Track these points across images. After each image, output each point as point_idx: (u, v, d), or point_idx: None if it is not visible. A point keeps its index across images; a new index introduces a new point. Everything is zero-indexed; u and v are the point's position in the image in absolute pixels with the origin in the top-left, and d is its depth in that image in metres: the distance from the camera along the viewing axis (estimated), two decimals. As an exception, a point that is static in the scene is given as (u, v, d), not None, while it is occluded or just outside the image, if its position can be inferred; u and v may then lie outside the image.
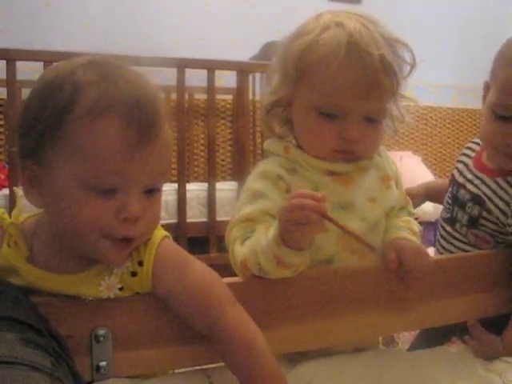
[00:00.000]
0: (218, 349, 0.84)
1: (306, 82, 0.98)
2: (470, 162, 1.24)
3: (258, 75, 3.21)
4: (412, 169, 3.60)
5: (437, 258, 1.09)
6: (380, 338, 1.77)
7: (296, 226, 0.82)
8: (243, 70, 3.01)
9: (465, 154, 1.27)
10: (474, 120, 4.60)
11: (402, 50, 0.99)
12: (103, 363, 0.81)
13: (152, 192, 0.80)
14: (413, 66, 1.00)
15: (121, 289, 0.82)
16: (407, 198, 1.12)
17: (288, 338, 0.93)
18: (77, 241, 0.77)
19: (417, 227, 1.08)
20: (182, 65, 2.84)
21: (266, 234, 0.89)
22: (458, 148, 4.50)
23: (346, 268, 0.99)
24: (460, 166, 1.25)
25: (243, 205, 0.98)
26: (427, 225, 2.61)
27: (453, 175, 1.26)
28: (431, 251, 1.29)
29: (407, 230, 1.04)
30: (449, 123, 4.57)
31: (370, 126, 0.98)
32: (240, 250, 0.93)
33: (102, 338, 0.81)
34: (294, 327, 0.94)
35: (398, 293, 1.01)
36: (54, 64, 0.82)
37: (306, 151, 1.01)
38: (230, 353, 0.83)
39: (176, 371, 0.93)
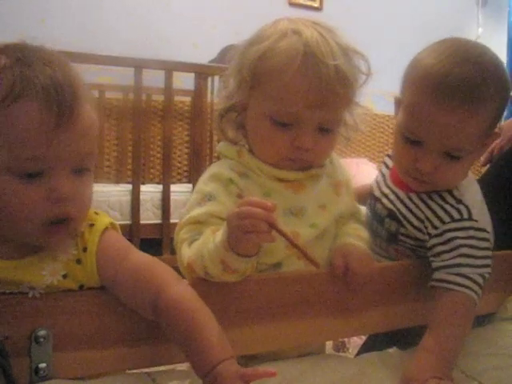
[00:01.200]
0: (165, 326, 0.82)
1: (261, 90, 0.98)
2: (387, 173, 1.20)
3: (216, 78, 3.21)
4: (368, 176, 3.62)
5: (382, 264, 1.10)
6: (330, 344, 1.78)
7: (244, 233, 0.81)
8: (201, 73, 3.00)
9: (385, 164, 1.23)
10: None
11: (357, 59, 0.99)
12: (43, 365, 0.79)
13: (81, 172, 0.79)
14: (368, 75, 1.01)
15: (64, 276, 0.81)
16: (357, 205, 1.13)
17: (234, 342, 0.92)
18: (13, 229, 0.77)
19: (365, 234, 1.09)
20: (139, 65, 2.82)
21: (213, 238, 0.88)
22: (412, 157, 4.56)
23: (293, 273, 0.99)
24: (379, 177, 1.22)
25: (193, 206, 0.97)
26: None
27: (371, 188, 1.22)
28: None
29: (355, 236, 1.06)
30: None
31: (323, 135, 0.99)
32: (187, 252, 0.92)
33: (42, 339, 0.79)
34: (240, 330, 0.93)
35: (344, 298, 1.02)
36: None
37: (258, 157, 1.01)
38: (173, 324, 0.80)
39: (120, 373, 0.91)
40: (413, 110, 1.02)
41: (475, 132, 1.00)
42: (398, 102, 1.09)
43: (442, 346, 0.96)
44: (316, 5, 4.28)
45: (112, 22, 3.54)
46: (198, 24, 3.79)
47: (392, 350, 1.11)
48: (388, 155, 1.24)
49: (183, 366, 0.97)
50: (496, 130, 1.06)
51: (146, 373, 0.89)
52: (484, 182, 1.23)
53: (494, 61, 1.02)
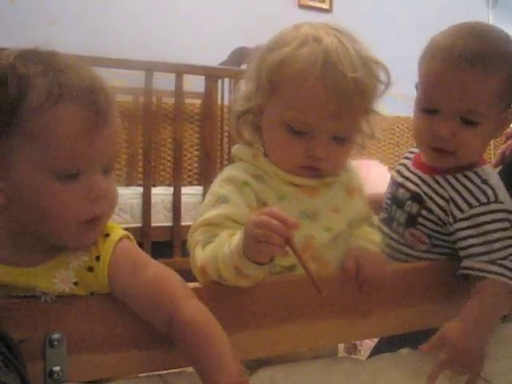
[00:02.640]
0: (178, 344, 0.82)
1: (278, 96, 0.97)
2: (409, 162, 1.23)
3: (226, 81, 3.22)
4: (379, 177, 3.61)
5: (394, 267, 1.09)
6: (342, 346, 1.78)
7: (257, 242, 0.81)
8: (212, 75, 3.00)
9: (406, 157, 1.26)
10: (440, 130, 4.66)
11: (377, 68, 0.99)
12: (57, 368, 0.79)
13: (108, 172, 0.83)
14: (387, 85, 1.00)
15: (76, 283, 0.82)
16: (369, 210, 1.13)
17: (245, 345, 0.93)
18: (50, 230, 0.79)
19: (377, 237, 1.09)
20: (149, 68, 2.83)
21: (228, 243, 0.88)
22: (423, 158, 4.56)
23: (304, 275, 0.98)
24: (400, 167, 1.24)
25: (207, 208, 0.97)
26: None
27: (392, 177, 1.25)
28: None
29: (368, 239, 1.06)
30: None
31: (338, 145, 0.98)
32: (201, 255, 0.92)
33: (56, 343, 0.79)
34: (252, 334, 0.93)
35: (356, 300, 1.01)
36: None
37: (273, 162, 1.01)
38: (188, 346, 0.81)
39: (132, 376, 0.92)
40: (427, 80, 1.10)
41: (486, 96, 1.05)
42: (417, 86, 1.15)
43: (464, 341, 0.99)
44: (326, 6, 4.28)
45: (121, 25, 3.55)
46: (208, 26, 3.79)
47: (404, 351, 1.10)
48: (410, 151, 1.27)
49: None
50: None
51: (158, 375, 0.89)
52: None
53: (501, 36, 1.11)
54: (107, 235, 0.84)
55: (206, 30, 3.79)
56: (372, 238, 1.07)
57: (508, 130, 1.10)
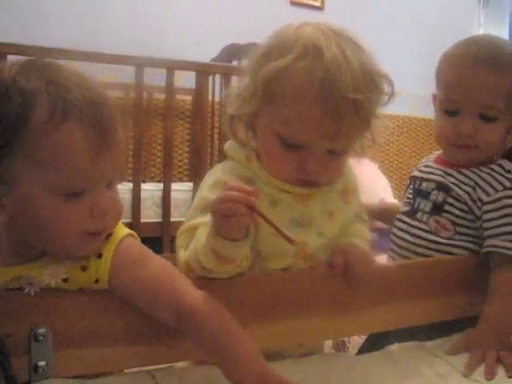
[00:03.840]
0: (189, 335, 0.83)
1: (272, 107, 0.94)
2: (430, 162, 1.31)
3: (218, 77, 3.21)
4: (368, 175, 3.63)
5: (382, 264, 1.10)
6: (330, 343, 1.78)
7: (226, 217, 0.80)
8: (203, 71, 2.99)
9: (426, 160, 1.35)
10: (431, 129, 4.66)
11: (381, 82, 0.96)
12: (42, 363, 0.79)
13: (111, 186, 0.82)
14: (391, 96, 0.98)
15: (65, 280, 0.81)
16: (362, 205, 1.12)
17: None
18: (52, 243, 0.79)
19: (368, 234, 1.09)
20: (140, 63, 2.81)
21: (205, 233, 0.87)
22: (414, 156, 4.57)
23: (292, 272, 0.99)
24: (421, 167, 1.32)
25: (195, 214, 0.96)
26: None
27: (413, 175, 1.33)
28: (385, 258, 1.30)
29: (358, 236, 1.06)
30: (406, 132, 4.64)
31: (333, 159, 0.96)
32: (183, 254, 0.92)
33: (41, 337, 0.79)
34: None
35: (344, 297, 1.01)
36: None
37: (266, 169, 0.99)
38: (199, 335, 0.82)
39: (119, 372, 0.91)
40: (446, 84, 1.23)
41: (501, 92, 1.17)
42: (434, 96, 1.29)
43: (503, 316, 1.07)
44: (318, 4, 4.27)
45: (113, 20, 3.53)
46: (200, 22, 3.78)
47: (393, 347, 1.11)
48: (421, 163, 1.35)
49: (183, 364, 0.97)
50: None
51: (145, 371, 0.89)
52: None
53: (506, 42, 1.29)
54: (110, 235, 0.84)
55: (199, 27, 3.78)
56: (362, 235, 1.07)
57: None
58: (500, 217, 1.13)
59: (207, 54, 3.42)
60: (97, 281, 0.82)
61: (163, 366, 0.90)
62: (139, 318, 0.85)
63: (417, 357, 1.06)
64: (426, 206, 1.23)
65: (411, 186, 1.30)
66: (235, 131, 1.03)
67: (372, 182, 3.33)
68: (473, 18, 4.97)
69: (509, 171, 1.19)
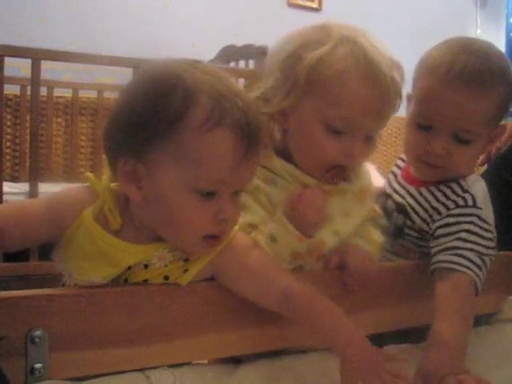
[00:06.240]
0: (292, 316, 0.91)
1: (316, 95, 0.96)
2: (399, 172, 1.24)
3: (215, 78, 3.21)
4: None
5: (379, 265, 1.10)
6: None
7: None
8: (200, 73, 2.99)
9: (397, 165, 1.27)
10: (428, 130, 4.67)
11: (400, 70, 1.00)
12: (38, 365, 0.79)
13: (237, 194, 0.86)
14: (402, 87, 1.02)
15: (165, 265, 0.87)
16: (378, 210, 1.13)
17: (232, 342, 0.93)
18: (177, 237, 0.84)
19: (379, 237, 1.09)
20: (137, 65, 2.80)
21: None
22: (411, 157, 4.57)
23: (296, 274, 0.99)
24: (390, 176, 1.26)
25: None
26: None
27: (383, 187, 1.26)
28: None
29: (366, 238, 1.06)
30: (404, 133, 4.64)
31: (368, 144, 1.00)
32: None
33: (37, 340, 0.79)
34: (240, 331, 0.94)
35: (342, 298, 1.01)
36: (152, 65, 0.86)
37: (295, 161, 1.01)
38: (305, 314, 0.89)
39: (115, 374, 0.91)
40: (424, 95, 1.09)
41: (481, 115, 1.06)
42: (409, 98, 1.15)
43: (453, 337, 0.94)
44: (315, 6, 4.26)
45: (111, 21, 3.53)
46: (197, 24, 3.78)
47: (388, 348, 1.11)
48: (400, 158, 1.28)
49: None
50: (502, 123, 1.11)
51: (139, 371, 0.89)
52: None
53: (498, 55, 1.12)
54: None
55: (196, 28, 3.78)
56: (372, 238, 1.07)
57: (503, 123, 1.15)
58: (447, 233, 1.07)
59: (204, 55, 3.42)
60: (186, 270, 0.88)
61: (157, 366, 0.89)
62: (134, 320, 0.85)
63: (413, 355, 1.06)
64: (390, 228, 1.17)
65: (380, 200, 1.22)
66: (272, 134, 1.04)
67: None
68: (470, 19, 4.98)
69: (466, 190, 1.11)
